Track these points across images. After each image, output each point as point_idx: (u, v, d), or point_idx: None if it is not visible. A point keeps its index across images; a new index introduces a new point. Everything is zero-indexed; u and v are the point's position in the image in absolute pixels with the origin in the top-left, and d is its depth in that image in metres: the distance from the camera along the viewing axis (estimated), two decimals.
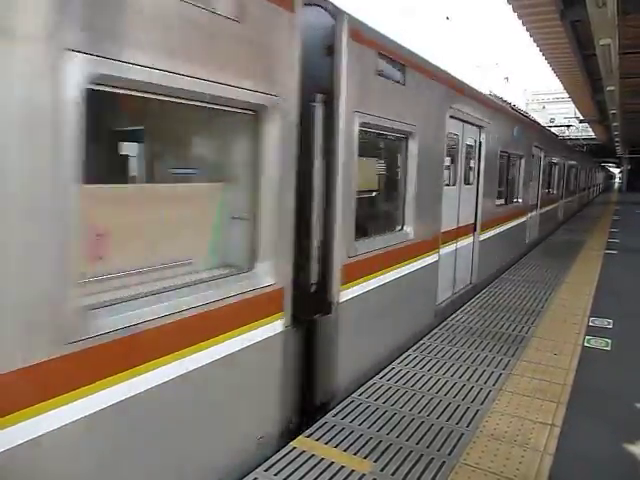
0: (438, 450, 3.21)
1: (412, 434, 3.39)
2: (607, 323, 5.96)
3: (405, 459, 3.10)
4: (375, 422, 3.53)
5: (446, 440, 3.33)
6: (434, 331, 5.50)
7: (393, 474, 2.95)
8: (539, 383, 4.24)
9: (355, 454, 3.13)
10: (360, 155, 4.02)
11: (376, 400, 3.86)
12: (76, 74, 1.90)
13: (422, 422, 3.55)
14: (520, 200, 10.28)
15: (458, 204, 6.57)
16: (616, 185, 68.64)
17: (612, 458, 3.25)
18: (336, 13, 3.51)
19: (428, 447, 3.24)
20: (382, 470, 2.98)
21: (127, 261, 2.51)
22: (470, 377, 4.33)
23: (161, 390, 2.40)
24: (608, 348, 5.16)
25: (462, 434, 3.40)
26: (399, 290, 4.81)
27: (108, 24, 2.02)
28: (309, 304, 3.47)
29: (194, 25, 2.39)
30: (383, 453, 3.16)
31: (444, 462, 3.08)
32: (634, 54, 12.64)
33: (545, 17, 12.02)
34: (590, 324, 5.90)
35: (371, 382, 4.17)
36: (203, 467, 2.71)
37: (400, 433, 3.40)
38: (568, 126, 35.00)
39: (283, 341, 3.24)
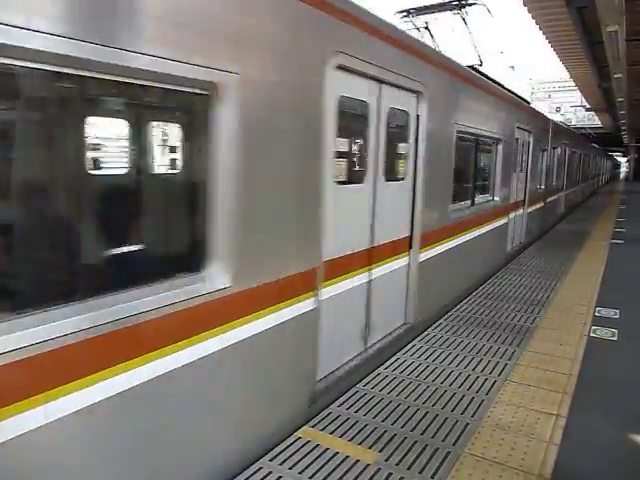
0: (443, 440, 3.20)
1: (417, 424, 3.39)
2: (613, 313, 5.92)
3: (410, 449, 3.10)
4: (380, 412, 3.53)
5: (451, 430, 3.32)
6: (439, 321, 5.49)
7: (398, 464, 2.94)
8: (544, 373, 4.22)
9: (360, 444, 3.13)
10: None
11: (381, 390, 3.85)
12: None
13: (427, 412, 3.55)
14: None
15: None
16: (622, 174, 68.07)
17: (618, 448, 3.23)
18: None
19: (433, 437, 3.24)
20: (387, 460, 2.98)
21: None
22: (475, 367, 4.32)
23: None
24: (614, 338, 5.13)
25: (467, 424, 3.40)
26: None
27: None
28: None
29: None
30: (388, 443, 3.15)
31: (449, 452, 3.07)
32: None
33: (551, 3, 11.85)
34: (596, 314, 5.87)
35: (375, 372, 4.16)
36: None
37: (405, 423, 3.39)
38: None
39: None
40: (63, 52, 1.92)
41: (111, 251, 2.84)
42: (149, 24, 2.23)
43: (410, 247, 5.03)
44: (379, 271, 4.50)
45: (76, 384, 2.07)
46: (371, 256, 4.35)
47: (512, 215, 9.19)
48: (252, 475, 2.79)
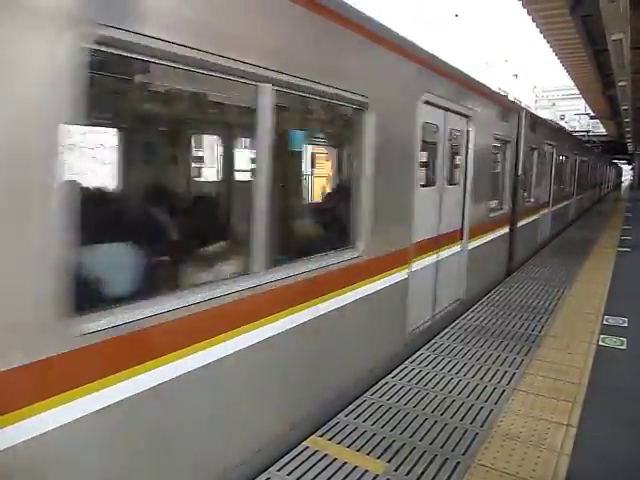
0: (452, 450, 3.17)
1: (426, 434, 3.35)
2: (622, 322, 5.87)
3: (419, 459, 3.06)
4: (388, 422, 3.49)
5: (460, 440, 3.28)
6: (446, 330, 5.45)
7: (407, 474, 2.91)
8: (554, 382, 4.18)
9: (368, 454, 3.10)
10: None
11: (389, 399, 3.82)
12: None
13: (436, 422, 3.51)
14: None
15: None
16: (625, 182, 67.73)
17: (630, 458, 3.18)
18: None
19: (442, 447, 3.20)
20: (396, 470, 2.95)
21: None
22: (483, 376, 4.28)
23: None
24: (624, 347, 5.08)
25: (476, 434, 3.36)
26: None
27: None
28: None
29: None
30: (396, 453, 3.12)
31: (459, 462, 3.03)
32: None
33: (555, 12, 11.88)
34: (604, 322, 5.82)
35: (383, 381, 4.13)
36: None
37: (413, 433, 3.36)
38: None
39: None
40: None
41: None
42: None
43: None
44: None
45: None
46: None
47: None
48: None
